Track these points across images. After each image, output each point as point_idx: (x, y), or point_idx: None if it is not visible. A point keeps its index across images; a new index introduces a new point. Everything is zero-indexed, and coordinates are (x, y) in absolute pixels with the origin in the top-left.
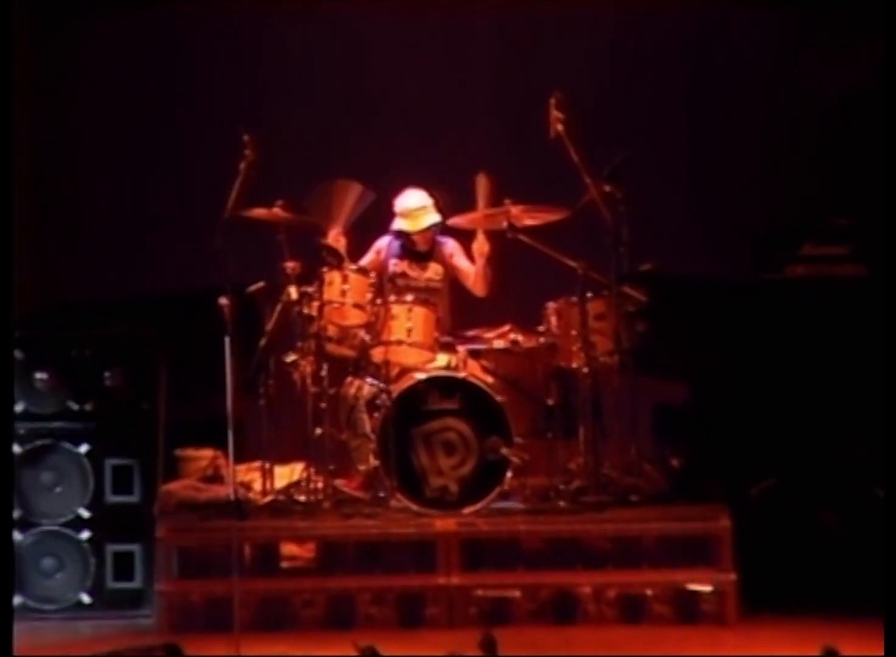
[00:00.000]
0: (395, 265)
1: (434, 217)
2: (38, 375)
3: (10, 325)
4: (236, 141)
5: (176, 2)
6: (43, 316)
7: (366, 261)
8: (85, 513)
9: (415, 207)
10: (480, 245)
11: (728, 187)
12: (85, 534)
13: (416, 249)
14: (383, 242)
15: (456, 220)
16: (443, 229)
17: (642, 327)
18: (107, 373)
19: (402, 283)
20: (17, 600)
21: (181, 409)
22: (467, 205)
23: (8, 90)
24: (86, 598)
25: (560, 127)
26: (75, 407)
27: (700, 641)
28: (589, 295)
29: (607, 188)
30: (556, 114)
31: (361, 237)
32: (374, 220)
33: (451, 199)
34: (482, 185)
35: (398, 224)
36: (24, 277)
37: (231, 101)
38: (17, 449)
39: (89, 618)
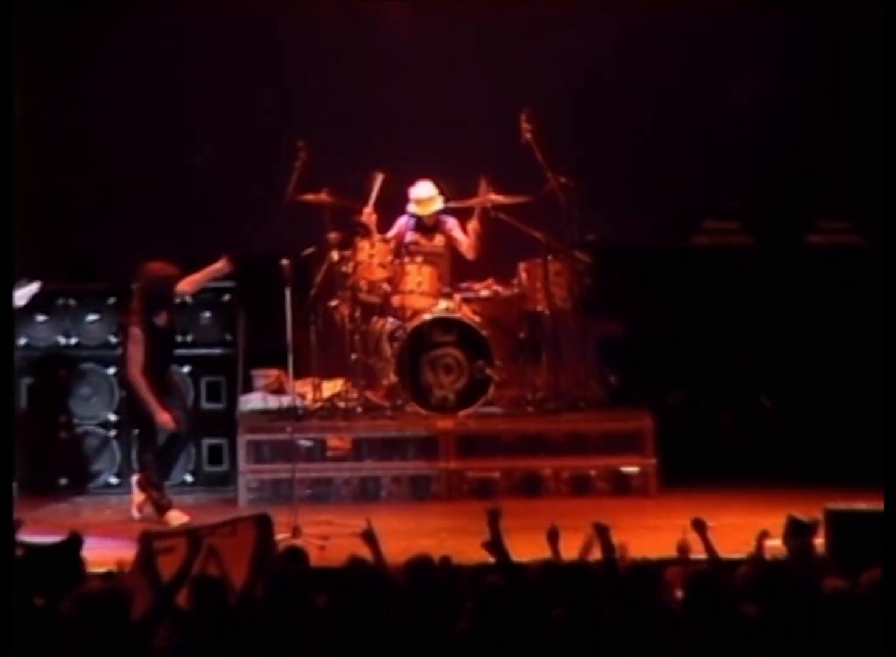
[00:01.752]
0: (410, 236)
1: (438, 204)
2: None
3: (9, 311)
4: (292, 141)
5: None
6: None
7: (392, 232)
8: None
9: (425, 197)
10: (474, 224)
11: (651, 178)
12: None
13: (425, 225)
14: (402, 220)
15: (453, 203)
16: (445, 208)
17: (589, 281)
18: (202, 314)
19: (415, 249)
20: None
21: (255, 341)
22: (465, 190)
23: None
24: (189, 478)
25: (528, 135)
26: (180, 339)
27: (630, 508)
28: (549, 257)
29: (563, 180)
30: (525, 125)
31: (389, 214)
32: (397, 203)
33: (452, 186)
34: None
35: (412, 208)
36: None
37: (288, 109)
38: None
39: (192, 492)
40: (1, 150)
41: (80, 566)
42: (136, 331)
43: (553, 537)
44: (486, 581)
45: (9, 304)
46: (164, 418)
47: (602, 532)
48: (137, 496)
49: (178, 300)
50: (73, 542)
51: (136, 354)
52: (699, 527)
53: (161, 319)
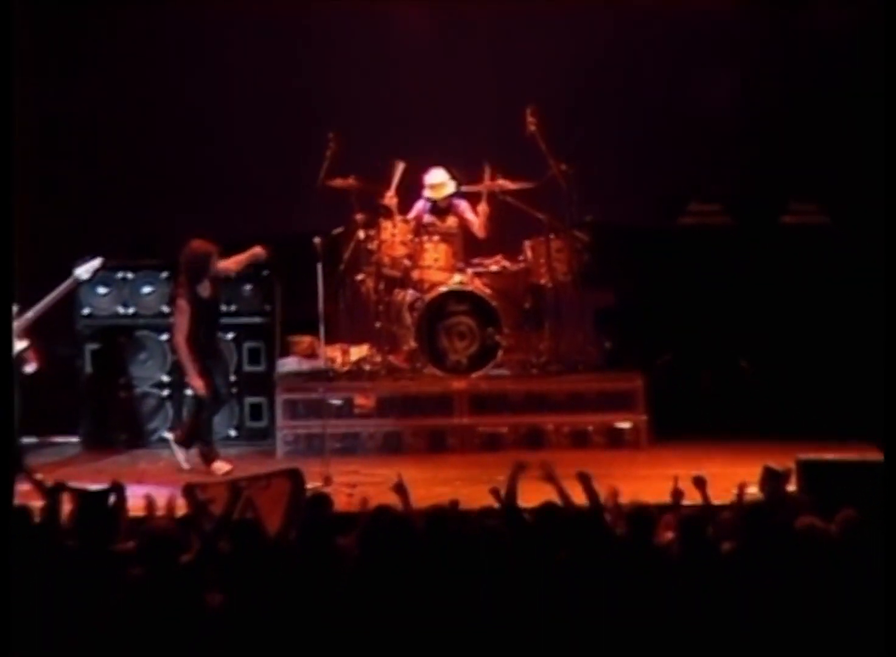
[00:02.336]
0: (427, 217)
1: (450, 188)
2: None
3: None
4: (324, 133)
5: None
6: None
7: (411, 214)
8: (231, 378)
9: (437, 182)
10: (483, 206)
11: (642, 165)
12: (232, 391)
13: (440, 208)
14: (420, 203)
15: (466, 188)
16: (458, 193)
17: (587, 257)
18: (244, 287)
19: (432, 229)
20: None
21: (290, 310)
22: (474, 176)
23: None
24: (232, 433)
25: (533, 128)
26: (224, 309)
27: (623, 459)
28: (552, 236)
29: (563, 167)
30: (530, 119)
31: (409, 198)
32: (415, 188)
33: (464, 173)
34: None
35: (427, 193)
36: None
37: (320, 104)
38: None
39: (235, 445)
40: (2, 156)
41: (120, 510)
42: (182, 303)
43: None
44: (487, 524)
45: (9, 285)
46: (198, 384)
47: (585, 480)
48: (179, 452)
49: (222, 276)
50: (115, 490)
51: (182, 323)
52: (699, 483)
53: (206, 291)
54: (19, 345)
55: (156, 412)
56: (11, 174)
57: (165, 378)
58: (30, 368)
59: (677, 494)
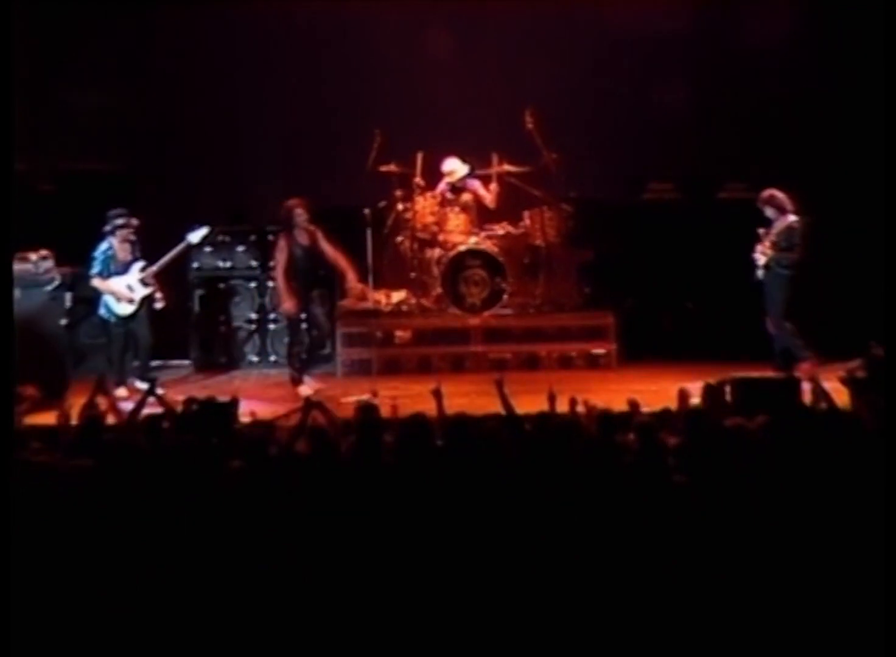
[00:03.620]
0: (448, 194)
1: (462, 172)
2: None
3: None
4: (371, 129)
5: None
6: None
7: (437, 191)
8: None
9: (450, 169)
10: (494, 186)
11: (613, 153)
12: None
13: (456, 187)
14: (442, 183)
15: (479, 171)
16: (470, 174)
17: (572, 224)
18: None
19: (453, 202)
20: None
21: None
22: (485, 162)
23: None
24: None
25: (530, 126)
26: None
27: (598, 378)
28: (545, 208)
29: (553, 156)
30: (528, 118)
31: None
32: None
33: (475, 158)
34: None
35: (445, 177)
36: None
37: (366, 106)
38: None
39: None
40: (3, 158)
41: (235, 418)
42: (280, 243)
43: (551, 399)
44: (487, 426)
45: (9, 282)
46: (287, 305)
47: (551, 399)
48: (303, 388)
49: (315, 232)
50: (233, 402)
51: (281, 259)
52: (634, 405)
53: (303, 239)
54: (146, 290)
55: (247, 342)
56: (11, 174)
57: (254, 315)
58: (159, 305)
59: (634, 404)
